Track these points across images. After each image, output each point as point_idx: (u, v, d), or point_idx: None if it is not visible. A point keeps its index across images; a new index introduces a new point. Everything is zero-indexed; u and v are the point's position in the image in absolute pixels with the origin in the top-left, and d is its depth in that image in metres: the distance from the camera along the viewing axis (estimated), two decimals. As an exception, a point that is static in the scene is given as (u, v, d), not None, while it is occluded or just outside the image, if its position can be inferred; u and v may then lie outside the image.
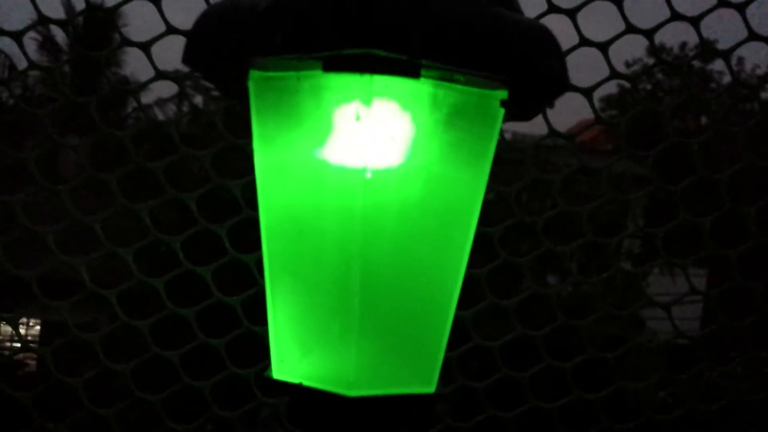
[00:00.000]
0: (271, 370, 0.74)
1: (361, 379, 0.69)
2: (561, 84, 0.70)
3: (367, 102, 0.64)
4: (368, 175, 0.65)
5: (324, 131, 0.66)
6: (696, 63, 15.02)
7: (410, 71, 0.63)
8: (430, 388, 0.74)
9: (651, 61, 15.24)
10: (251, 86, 0.69)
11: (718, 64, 16.55)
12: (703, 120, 13.79)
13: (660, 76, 15.74)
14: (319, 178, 0.67)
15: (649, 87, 15.81)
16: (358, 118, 0.64)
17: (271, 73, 0.67)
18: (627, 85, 16.39)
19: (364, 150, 0.65)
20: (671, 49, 14.37)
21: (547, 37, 0.67)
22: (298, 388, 0.71)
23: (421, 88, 0.65)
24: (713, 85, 14.57)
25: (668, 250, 1.92)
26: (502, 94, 0.70)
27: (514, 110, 0.72)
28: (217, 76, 0.72)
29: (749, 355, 2.10)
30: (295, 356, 0.72)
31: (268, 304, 0.74)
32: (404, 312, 0.71)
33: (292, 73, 0.66)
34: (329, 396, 0.69)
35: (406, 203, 0.67)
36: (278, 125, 0.69)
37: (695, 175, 1.78)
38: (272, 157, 0.70)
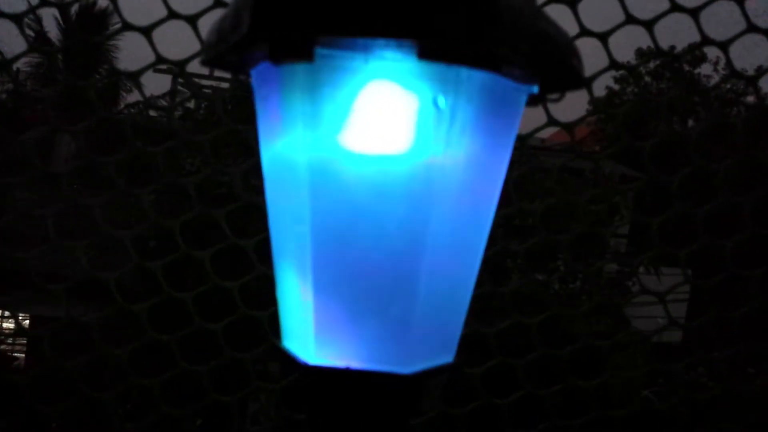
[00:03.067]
0: (299, 356, 0.74)
1: (415, 356, 0.72)
2: (580, 82, 0.75)
3: (451, 92, 0.65)
4: (444, 162, 0.67)
5: (393, 116, 0.67)
6: (685, 66, 15.16)
7: (494, 65, 0.66)
8: (451, 357, 0.78)
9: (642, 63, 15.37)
10: (306, 65, 0.67)
11: (705, 69, 16.70)
12: (690, 123, 13.89)
13: (647, 78, 15.85)
14: (385, 162, 0.68)
15: (636, 90, 15.91)
16: (441, 106, 0.66)
17: (334, 51, 0.66)
18: (615, 87, 16.56)
19: (443, 138, 0.66)
20: (660, 50, 14.44)
21: (570, 38, 0.72)
22: (343, 372, 0.71)
23: (486, 80, 0.67)
24: (701, 88, 14.69)
25: (653, 246, 1.94)
26: (533, 88, 0.75)
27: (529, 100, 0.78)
28: (278, 50, 0.70)
29: (733, 354, 2.12)
30: (338, 341, 0.72)
31: (299, 291, 0.73)
32: (448, 289, 0.75)
33: (359, 54, 0.66)
34: (382, 376, 0.71)
35: (462, 188, 0.70)
36: (334, 107, 0.68)
37: (690, 168, 1.80)
38: (321, 140, 0.69)
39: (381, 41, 0.64)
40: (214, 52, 0.74)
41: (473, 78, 0.66)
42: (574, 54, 0.72)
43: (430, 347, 0.74)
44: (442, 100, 0.66)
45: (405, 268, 0.70)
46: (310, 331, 0.72)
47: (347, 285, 0.72)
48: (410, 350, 0.71)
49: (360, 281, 0.71)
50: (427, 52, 0.64)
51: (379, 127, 0.67)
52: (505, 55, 0.64)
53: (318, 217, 0.70)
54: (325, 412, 0.75)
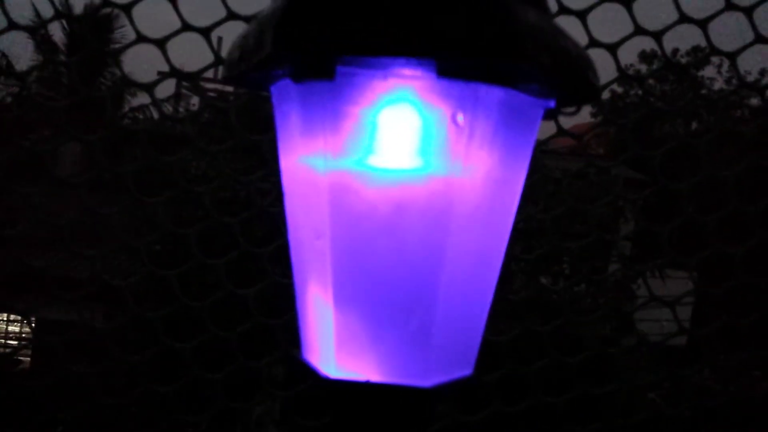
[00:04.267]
0: (320, 370, 0.75)
1: (434, 369, 0.72)
2: (596, 95, 0.76)
3: (469, 108, 0.66)
4: (463, 177, 0.67)
5: (412, 133, 0.68)
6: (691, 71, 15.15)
7: (511, 80, 0.66)
8: (470, 370, 0.79)
9: (643, 67, 15.33)
10: (327, 82, 0.68)
11: (708, 71, 16.68)
12: (694, 125, 13.87)
13: (651, 81, 15.83)
14: (404, 178, 0.68)
15: (639, 92, 15.88)
16: (460, 122, 0.66)
17: (354, 69, 0.67)
18: (618, 90, 16.55)
19: (461, 154, 0.67)
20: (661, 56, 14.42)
21: (586, 54, 0.72)
22: (363, 385, 0.72)
23: (504, 96, 0.68)
24: (704, 91, 14.66)
25: (663, 252, 1.94)
26: (549, 103, 0.76)
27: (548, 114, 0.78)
28: (300, 69, 0.71)
29: (739, 357, 2.12)
30: (358, 354, 0.73)
31: (320, 305, 0.74)
32: (467, 303, 0.75)
33: (379, 71, 0.67)
34: (402, 389, 0.71)
35: (481, 203, 0.71)
36: (354, 124, 0.69)
37: (699, 175, 1.80)
38: (341, 155, 0.70)
39: (401, 59, 0.65)
40: (236, 70, 0.75)
41: (492, 95, 0.67)
42: (591, 68, 0.72)
43: (449, 360, 0.75)
44: (461, 117, 0.66)
45: (424, 282, 0.70)
46: (331, 345, 0.73)
47: (367, 299, 0.72)
48: (429, 364, 0.72)
49: (380, 295, 0.72)
50: (446, 70, 0.65)
51: (399, 144, 0.68)
52: (524, 72, 0.65)
53: (338, 231, 0.71)
54: (346, 425, 0.75)
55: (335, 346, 0.73)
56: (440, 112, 0.67)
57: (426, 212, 0.69)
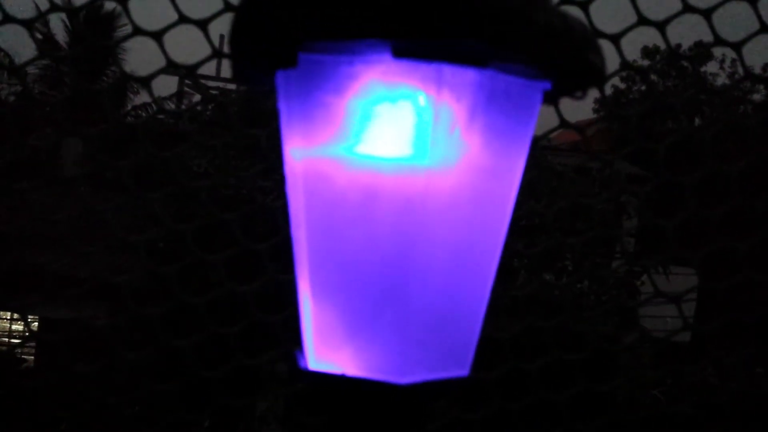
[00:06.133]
0: (302, 362, 0.73)
1: (414, 367, 0.69)
2: (601, 78, 0.72)
3: (433, 90, 0.63)
4: (432, 163, 0.64)
5: (377, 118, 0.66)
6: (688, 65, 15.20)
7: (479, 61, 0.63)
8: (465, 371, 0.75)
9: (646, 62, 15.36)
10: (296, 70, 0.67)
11: (711, 67, 16.71)
12: (696, 121, 13.87)
13: (654, 77, 15.84)
14: (373, 164, 0.66)
15: (642, 88, 15.90)
16: (422, 105, 0.64)
17: (320, 56, 0.65)
18: (621, 86, 16.58)
19: (427, 138, 0.64)
20: (664, 51, 14.53)
21: (589, 33, 0.69)
22: (339, 379, 0.70)
23: (481, 77, 0.65)
24: (708, 85, 14.68)
25: (665, 248, 1.93)
26: (545, 84, 0.71)
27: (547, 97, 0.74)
28: (263, 61, 0.68)
29: (742, 355, 2.12)
30: (335, 347, 0.71)
31: (303, 296, 0.73)
32: (451, 298, 0.72)
33: (345, 57, 0.65)
34: (376, 385, 0.68)
35: (461, 192, 0.68)
36: (323, 111, 0.67)
37: (704, 170, 1.79)
38: (313, 143, 0.68)
39: (360, 43, 0.63)
40: (231, 66, 0.75)
41: (461, 76, 0.63)
42: (591, 48, 0.68)
43: (435, 359, 0.71)
44: (423, 99, 0.64)
45: (396, 273, 0.67)
46: (311, 337, 0.72)
47: (341, 290, 0.70)
48: (408, 360, 0.68)
49: (353, 286, 0.70)
50: (402, 51, 0.62)
51: (366, 129, 0.66)
52: (492, 51, 0.62)
53: (312, 220, 0.70)
54: (325, 419, 0.74)
55: (314, 338, 0.71)
56: (402, 95, 0.65)
57: (394, 199, 0.66)
